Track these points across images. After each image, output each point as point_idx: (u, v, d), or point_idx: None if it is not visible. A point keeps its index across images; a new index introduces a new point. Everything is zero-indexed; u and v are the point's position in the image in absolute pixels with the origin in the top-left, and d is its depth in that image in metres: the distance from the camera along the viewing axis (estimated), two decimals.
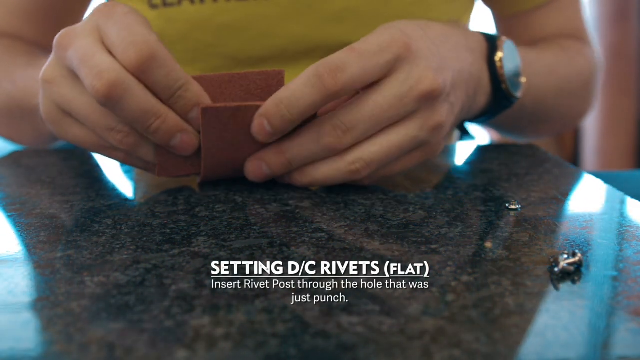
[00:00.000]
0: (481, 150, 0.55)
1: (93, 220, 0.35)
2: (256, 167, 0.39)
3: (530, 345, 0.22)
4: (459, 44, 0.42)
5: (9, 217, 0.37)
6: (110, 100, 0.34)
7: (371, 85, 0.37)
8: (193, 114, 0.36)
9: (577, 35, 0.64)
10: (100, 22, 0.37)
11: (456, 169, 0.47)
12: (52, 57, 0.38)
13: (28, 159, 0.51)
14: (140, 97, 0.35)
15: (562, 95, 0.59)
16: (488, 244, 0.32)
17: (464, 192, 0.41)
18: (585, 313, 0.25)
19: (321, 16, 0.54)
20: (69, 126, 0.39)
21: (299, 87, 0.36)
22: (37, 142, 0.58)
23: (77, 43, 0.36)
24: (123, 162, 0.39)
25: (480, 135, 1.63)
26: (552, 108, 0.59)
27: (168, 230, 0.33)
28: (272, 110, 0.36)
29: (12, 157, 0.52)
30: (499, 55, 0.45)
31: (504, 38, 0.46)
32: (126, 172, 0.47)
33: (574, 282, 0.27)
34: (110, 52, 0.36)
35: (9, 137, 0.59)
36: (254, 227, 0.34)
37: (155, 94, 0.36)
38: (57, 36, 0.37)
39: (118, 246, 0.31)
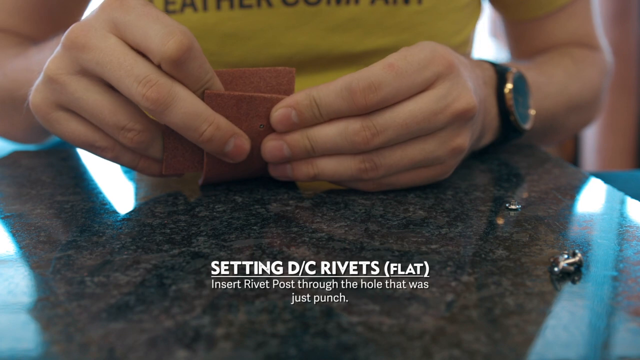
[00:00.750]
0: (481, 151, 0.55)
1: (93, 220, 0.35)
2: (277, 147, 0.38)
3: (530, 345, 0.22)
4: (478, 76, 0.43)
5: (9, 217, 0.37)
6: (160, 106, 0.34)
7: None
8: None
9: (588, 41, 0.64)
10: (117, 17, 0.35)
11: (456, 169, 0.47)
12: (59, 53, 0.36)
13: (28, 159, 0.51)
14: (189, 102, 0.34)
15: (573, 111, 0.60)
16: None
17: (464, 192, 0.41)
18: (585, 313, 0.25)
19: (326, 26, 0.54)
20: (64, 121, 0.37)
21: (330, 93, 0.36)
22: (29, 135, 0.57)
23: (97, 45, 0.34)
24: (111, 161, 0.38)
25: None
26: (562, 124, 0.60)
27: (168, 230, 0.33)
28: (305, 103, 0.36)
29: (12, 157, 0.52)
30: (509, 87, 0.45)
31: (514, 69, 0.46)
32: (126, 172, 0.47)
33: (574, 282, 0.27)
34: (137, 51, 0.34)
35: (2, 133, 0.58)
36: (254, 227, 0.34)
37: (185, 86, 0.35)
38: (67, 33, 0.36)
39: (118, 246, 0.31)
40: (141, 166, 0.38)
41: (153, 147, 0.37)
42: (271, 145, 0.38)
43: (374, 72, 0.36)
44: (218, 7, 0.53)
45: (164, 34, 0.33)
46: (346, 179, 0.39)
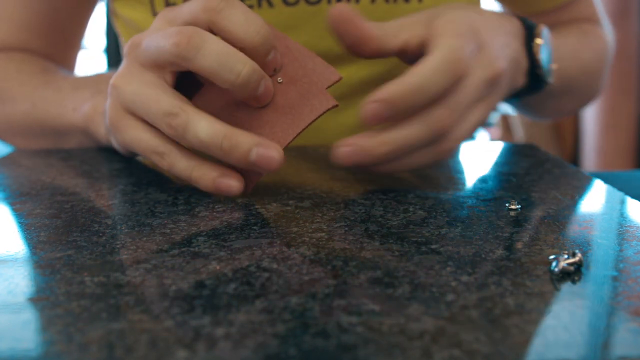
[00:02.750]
0: (481, 150, 0.55)
1: (93, 220, 0.35)
2: (354, 153, 0.37)
3: (530, 345, 0.22)
4: (508, 31, 0.45)
5: (9, 217, 0.37)
6: (192, 49, 0.35)
7: None
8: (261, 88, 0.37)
9: (593, 19, 0.66)
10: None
11: (456, 169, 0.47)
12: (124, 63, 0.39)
13: (28, 159, 0.51)
14: (221, 43, 0.35)
15: (584, 76, 0.62)
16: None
17: (464, 192, 0.41)
18: (585, 313, 0.25)
19: (327, 25, 0.54)
20: (132, 128, 0.39)
21: (433, 74, 0.36)
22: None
23: (148, 34, 0.38)
24: (168, 169, 0.38)
25: (480, 135, 1.63)
26: (575, 88, 0.62)
27: (168, 230, 0.33)
28: (401, 96, 0.36)
29: (12, 157, 0.52)
30: (538, 41, 0.47)
31: (542, 26, 0.48)
32: (126, 172, 0.47)
33: (574, 282, 0.27)
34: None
35: (29, 147, 0.59)
36: (254, 227, 0.34)
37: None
38: (130, 40, 0.39)
39: (118, 246, 0.31)
40: (195, 175, 0.38)
41: (189, 132, 0.36)
42: (346, 152, 0.37)
43: (450, 46, 0.37)
44: None
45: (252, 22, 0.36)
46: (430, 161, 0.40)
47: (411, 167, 0.40)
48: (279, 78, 0.38)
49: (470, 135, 0.42)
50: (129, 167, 0.49)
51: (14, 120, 0.56)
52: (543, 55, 0.48)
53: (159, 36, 0.36)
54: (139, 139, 0.39)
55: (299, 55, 0.39)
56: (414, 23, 0.41)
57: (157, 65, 0.37)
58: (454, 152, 0.41)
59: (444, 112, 0.37)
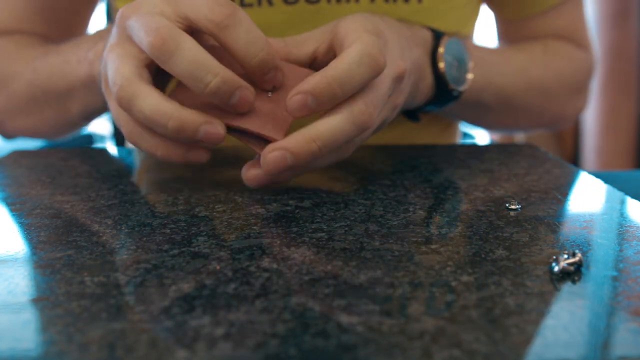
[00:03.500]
0: (481, 150, 0.55)
1: (93, 220, 0.35)
2: (279, 159, 0.36)
3: (530, 345, 0.22)
4: (408, 38, 0.46)
5: (9, 217, 0.37)
6: (165, 53, 0.35)
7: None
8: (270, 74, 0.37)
9: (573, 38, 0.65)
10: None
11: (456, 169, 0.47)
12: (113, 30, 0.39)
13: (28, 159, 0.51)
14: (194, 51, 0.35)
15: (535, 94, 0.61)
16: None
17: (464, 192, 0.41)
18: (585, 313, 0.25)
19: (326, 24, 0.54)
20: None
21: (350, 66, 0.36)
22: (56, 130, 0.59)
23: (141, 12, 0.37)
24: (137, 145, 0.39)
25: (480, 135, 1.63)
26: (522, 106, 0.61)
27: (168, 230, 0.33)
28: (323, 87, 0.35)
29: (12, 157, 0.52)
30: (440, 50, 0.49)
31: (447, 37, 0.50)
32: (126, 172, 0.47)
33: (574, 282, 0.27)
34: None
35: (31, 129, 0.59)
36: (254, 227, 0.34)
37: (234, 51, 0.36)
38: (120, 9, 0.39)
39: (118, 246, 0.31)
40: (161, 154, 0.38)
41: (135, 107, 0.36)
42: (273, 157, 0.36)
43: (366, 41, 0.37)
44: None
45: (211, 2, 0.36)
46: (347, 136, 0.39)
47: (322, 166, 0.40)
48: (269, 93, 0.38)
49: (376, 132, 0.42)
50: (129, 167, 0.49)
51: (18, 93, 0.56)
52: (447, 64, 0.49)
53: (142, 25, 0.36)
54: (112, 110, 0.39)
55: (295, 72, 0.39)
56: (317, 32, 0.42)
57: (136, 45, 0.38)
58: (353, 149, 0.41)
59: (360, 106, 0.37)
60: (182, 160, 0.38)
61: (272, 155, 0.36)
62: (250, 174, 0.38)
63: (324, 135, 0.36)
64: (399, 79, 0.41)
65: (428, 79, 0.49)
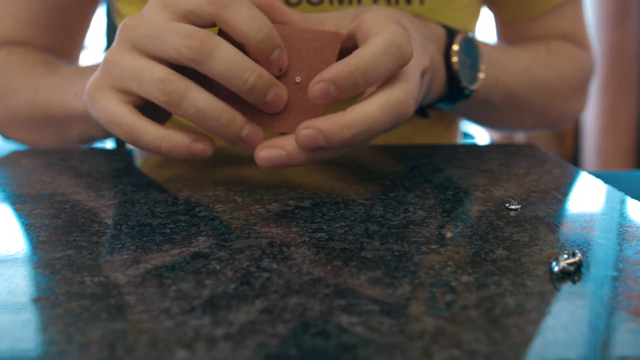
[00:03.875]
0: (481, 150, 0.55)
1: (93, 220, 0.35)
2: (312, 137, 0.36)
3: (530, 345, 0.22)
4: (426, 36, 0.46)
5: (9, 217, 0.37)
6: (204, 54, 0.35)
7: None
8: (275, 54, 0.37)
9: (573, 38, 0.65)
10: None
11: (456, 169, 0.47)
12: (115, 40, 0.39)
13: (28, 159, 0.51)
14: (231, 50, 0.36)
15: (537, 93, 0.61)
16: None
17: (464, 192, 0.41)
18: (585, 313, 0.25)
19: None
20: (103, 99, 0.39)
21: (375, 56, 0.35)
22: (59, 146, 0.59)
23: (148, 20, 0.38)
24: (136, 144, 0.39)
25: (480, 135, 1.63)
26: (526, 105, 0.61)
27: (168, 230, 0.33)
28: (345, 75, 0.35)
29: (12, 157, 0.52)
30: (454, 48, 0.49)
31: (460, 35, 0.49)
32: (126, 172, 0.47)
33: (574, 282, 0.27)
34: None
35: (30, 143, 0.59)
36: (254, 227, 0.34)
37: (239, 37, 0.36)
38: (124, 21, 0.39)
39: (118, 246, 0.31)
40: (166, 145, 0.38)
41: (192, 94, 0.36)
42: (305, 134, 0.36)
43: (394, 30, 0.36)
44: None
45: None
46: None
47: (348, 152, 0.40)
48: (297, 78, 0.38)
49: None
50: (129, 167, 0.49)
51: (18, 110, 0.56)
52: (460, 62, 0.49)
53: (166, 31, 0.36)
54: (107, 109, 0.39)
55: (301, 38, 0.38)
56: (337, 15, 0.42)
57: (153, 55, 0.37)
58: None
59: (399, 94, 0.36)
60: (187, 152, 0.38)
61: (306, 132, 0.36)
62: (262, 154, 0.38)
63: (359, 125, 0.36)
64: (423, 74, 0.41)
65: (441, 77, 0.49)
